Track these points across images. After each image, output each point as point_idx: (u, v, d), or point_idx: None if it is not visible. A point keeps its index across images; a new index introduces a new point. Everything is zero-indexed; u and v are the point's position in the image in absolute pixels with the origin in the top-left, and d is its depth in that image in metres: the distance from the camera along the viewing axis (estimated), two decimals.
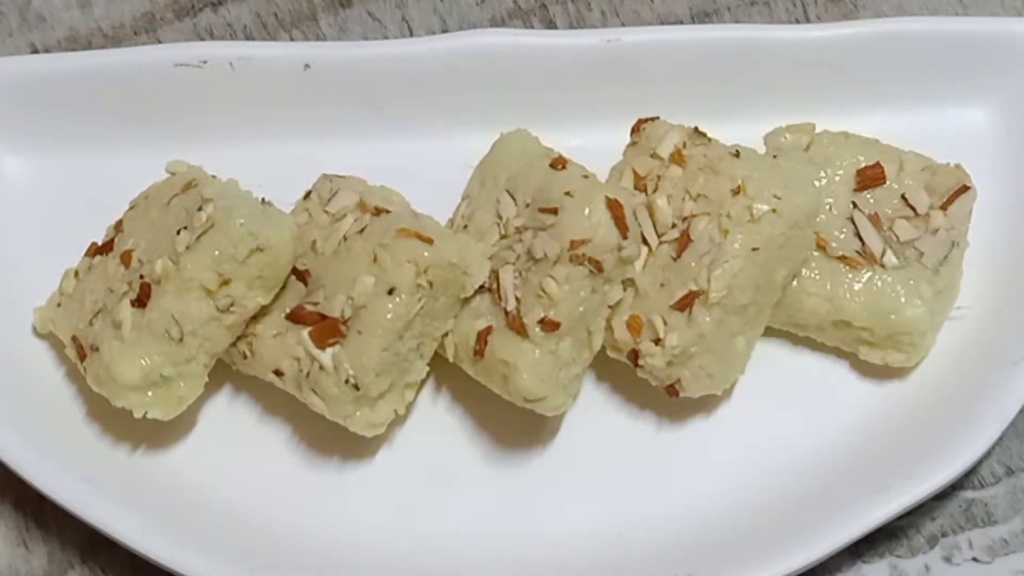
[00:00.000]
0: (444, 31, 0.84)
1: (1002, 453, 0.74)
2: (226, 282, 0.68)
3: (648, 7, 0.85)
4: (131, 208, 0.73)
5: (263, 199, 0.71)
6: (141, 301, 0.69)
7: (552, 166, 0.70)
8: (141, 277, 0.69)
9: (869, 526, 0.68)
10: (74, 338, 0.71)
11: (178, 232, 0.69)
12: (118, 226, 0.73)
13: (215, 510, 0.71)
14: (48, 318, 0.73)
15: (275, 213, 0.70)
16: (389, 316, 0.68)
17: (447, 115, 0.78)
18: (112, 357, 0.69)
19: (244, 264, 0.68)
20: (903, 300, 0.71)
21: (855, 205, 0.73)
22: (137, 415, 0.69)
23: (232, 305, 0.69)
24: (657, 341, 0.69)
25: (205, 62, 0.77)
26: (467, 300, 0.70)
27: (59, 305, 0.73)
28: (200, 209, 0.69)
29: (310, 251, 0.71)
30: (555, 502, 0.72)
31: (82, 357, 0.71)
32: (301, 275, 0.70)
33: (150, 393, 0.69)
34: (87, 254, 0.74)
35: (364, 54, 0.78)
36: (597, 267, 0.68)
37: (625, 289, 0.70)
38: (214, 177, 0.72)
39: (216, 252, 0.68)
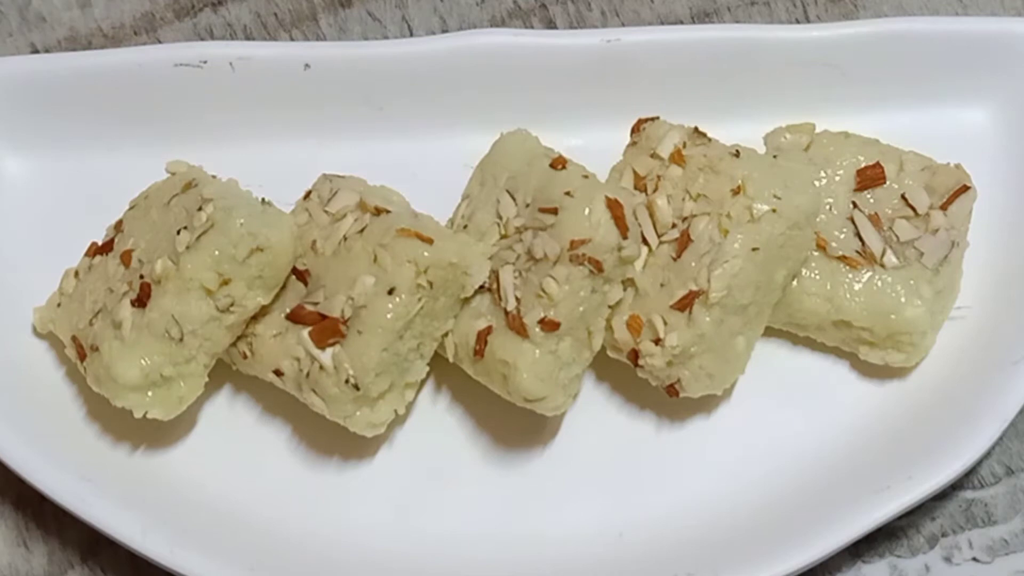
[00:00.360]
0: (444, 31, 0.84)
1: (1002, 453, 0.74)
2: (226, 282, 0.68)
3: (648, 7, 0.85)
4: (131, 208, 0.73)
5: (263, 199, 0.71)
6: (141, 301, 0.69)
7: (552, 166, 0.70)
8: (141, 277, 0.69)
9: (869, 526, 0.68)
10: (74, 338, 0.71)
11: (178, 232, 0.69)
12: (118, 226, 0.73)
13: (215, 510, 0.71)
14: (48, 318, 0.73)
15: (275, 213, 0.70)
16: (389, 316, 0.68)
17: (447, 115, 0.78)
18: (112, 357, 0.69)
19: (244, 264, 0.68)
20: (903, 300, 0.71)
21: (855, 205, 0.73)
22: (137, 415, 0.69)
23: (232, 305, 0.69)
24: (657, 341, 0.69)
25: (205, 62, 0.77)
26: (467, 300, 0.70)
27: (59, 305, 0.73)
28: (200, 209, 0.69)
29: (310, 251, 0.71)
30: (555, 502, 0.72)
31: (82, 357, 0.71)
32: (301, 275, 0.70)
33: (150, 393, 0.69)
34: (87, 254, 0.74)
35: (364, 54, 0.78)
36: (597, 267, 0.68)
37: (625, 289, 0.70)
38: (214, 177, 0.72)
39: (216, 252, 0.68)
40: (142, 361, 0.68)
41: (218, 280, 0.68)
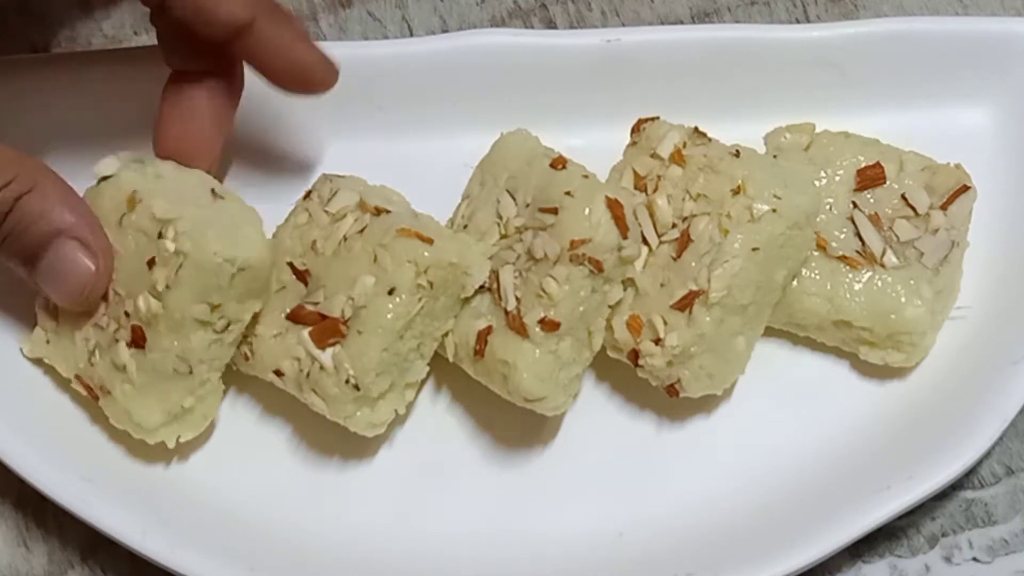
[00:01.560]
0: (444, 31, 0.84)
1: (1002, 453, 0.74)
2: (216, 307, 0.67)
3: (648, 7, 0.85)
4: None
5: (212, 190, 0.69)
6: (137, 343, 0.68)
7: (552, 166, 0.70)
8: (127, 315, 0.68)
9: (869, 526, 0.68)
10: (78, 377, 0.71)
11: (150, 265, 0.67)
12: None
13: (215, 510, 0.71)
14: (39, 352, 0.72)
15: (240, 219, 0.68)
16: (389, 316, 0.68)
17: (447, 115, 0.78)
18: (129, 403, 0.69)
19: (230, 287, 0.67)
20: (903, 300, 0.71)
21: (855, 205, 0.73)
22: (171, 446, 0.69)
23: (229, 324, 0.68)
24: (657, 341, 0.69)
25: None
26: (467, 300, 0.70)
27: (48, 342, 0.71)
28: (161, 236, 0.67)
29: (310, 251, 0.71)
30: (555, 502, 0.72)
31: (95, 397, 0.70)
32: (301, 275, 0.71)
33: (176, 424, 0.69)
34: None
35: (364, 54, 0.78)
36: (597, 267, 0.68)
37: (625, 289, 0.70)
38: (141, 162, 0.69)
39: (198, 287, 0.67)
40: (160, 403, 0.68)
41: (209, 310, 0.67)
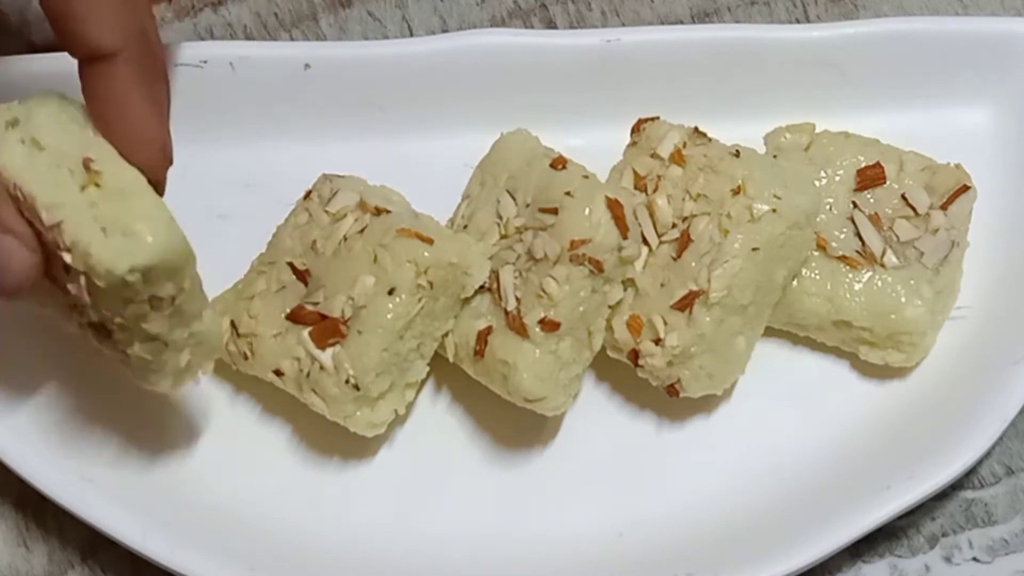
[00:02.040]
0: (444, 31, 0.84)
1: (1002, 453, 0.74)
2: (151, 299, 0.62)
3: (648, 7, 0.85)
4: None
5: (87, 161, 0.60)
6: (106, 337, 0.64)
7: (552, 166, 0.70)
8: (79, 310, 0.64)
9: (869, 526, 0.68)
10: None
11: (67, 271, 0.61)
12: None
13: (215, 510, 0.71)
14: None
15: (124, 210, 0.60)
16: (389, 316, 0.68)
17: (447, 115, 0.78)
18: (134, 378, 0.66)
19: (147, 284, 0.60)
20: (903, 300, 0.71)
21: (855, 205, 0.73)
22: (200, 377, 0.66)
23: (175, 298, 0.62)
24: (657, 341, 0.69)
25: (205, 62, 0.77)
26: (467, 300, 0.70)
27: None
28: (57, 247, 0.61)
29: (310, 251, 0.71)
30: (555, 502, 0.72)
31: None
32: (301, 275, 0.71)
33: (188, 371, 0.66)
34: None
35: (364, 54, 0.78)
36: (597, 267, 0.68)
37: (625, 289, 0.70)
38: (15, 126, 0.62)
39: (117, 298, 0.61)
40: (160, 373, 0.64)
41: (144, 305, 0.62)
